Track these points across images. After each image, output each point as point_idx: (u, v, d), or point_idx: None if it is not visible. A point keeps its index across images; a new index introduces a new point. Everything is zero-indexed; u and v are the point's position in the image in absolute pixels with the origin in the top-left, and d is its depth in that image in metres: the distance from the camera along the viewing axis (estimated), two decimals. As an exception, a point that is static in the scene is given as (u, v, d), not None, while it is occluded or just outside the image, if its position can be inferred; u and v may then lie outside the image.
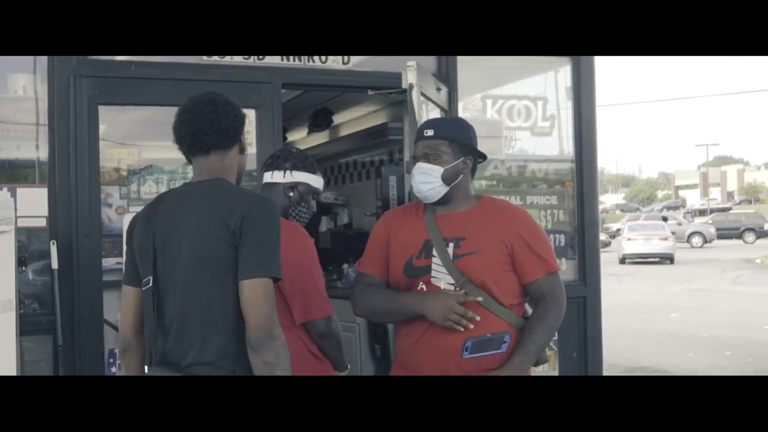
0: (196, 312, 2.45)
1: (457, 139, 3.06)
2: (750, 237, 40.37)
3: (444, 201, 3.05)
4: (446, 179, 3.01)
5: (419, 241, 3.02)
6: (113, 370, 4.41)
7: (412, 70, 4.21)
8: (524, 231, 3.01)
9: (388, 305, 3.10)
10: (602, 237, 33.69)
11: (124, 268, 2.70)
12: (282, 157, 3.43)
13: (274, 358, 2.35)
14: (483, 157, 3.22)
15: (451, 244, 2.97)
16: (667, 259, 28.41)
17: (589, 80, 5.61)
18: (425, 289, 2.99)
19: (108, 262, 4.43)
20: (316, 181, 3.41)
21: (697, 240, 38.87)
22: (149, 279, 2.49)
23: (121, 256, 4.40)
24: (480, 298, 2.91)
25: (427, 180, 3.02)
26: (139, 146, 4.78)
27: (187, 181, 4.54)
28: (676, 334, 11.96)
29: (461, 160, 3.03)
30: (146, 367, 2.51)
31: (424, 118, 4.46)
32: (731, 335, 11.70)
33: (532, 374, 3.06)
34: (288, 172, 3.36)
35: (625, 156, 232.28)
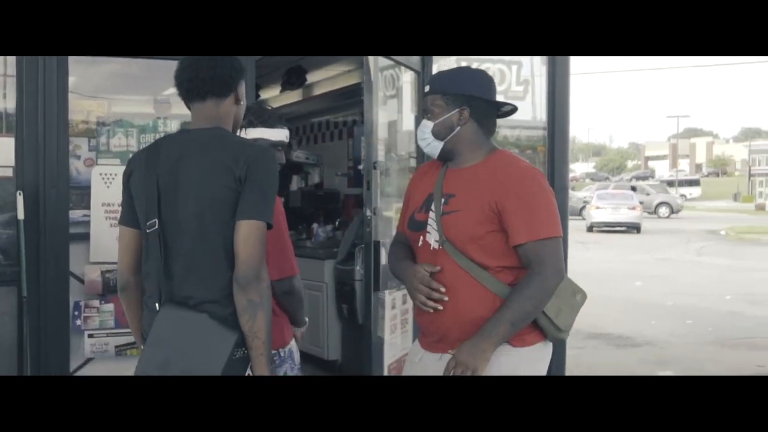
0: (202, 254, 2.56)
1: (447, 90, 2.96)
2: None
3: (447, 156, 3.00)
4: (437, 134, 2.96)
5: (425, 195, 3.02)
6: (78, 323, 4.38)
7: None
8: (513, 190, 2.82)
9: (394, 271, 3.19)
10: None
11: (120, 209, 2.77)
12: None
13: (258, 297, 2.48)
14: (498, 106, 3.05)
15: (443, 200, 2.94)
16: (634, 228, 28.72)
17: (564, 46, 5.60)
18: (421, 245, 2.99)
19: (75, 214, 4.37)
20: (275, 134, 3.33)
21: (664, 210, 39.28)
22: (155, 222, 2.58)
23: (88, 208, 4.38)
24: (437, 268, 2.88)
25: (422, 137, 3.01)
26: (109, 99, 4.70)
27: (158, 134, 4.57)
28: (640, 302, 12.13)
29: (455, 111, 2.93)
30: (157, 305, 2.59)
31: (404, 81, 4.46)
32: (694, 304, 11.89)
33: (547, 348, 2.95)
34: (242, 130, 3.31)
35: (597, 125, 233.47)
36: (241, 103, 2.79)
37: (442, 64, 5.45)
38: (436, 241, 2.92)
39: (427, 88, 3.03)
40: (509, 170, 2.89)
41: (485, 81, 3.02)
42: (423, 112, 3.04)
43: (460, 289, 2.85)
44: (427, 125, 2.98)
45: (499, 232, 2.84)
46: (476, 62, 5.59)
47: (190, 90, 2.70)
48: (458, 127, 2.94)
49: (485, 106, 2.98)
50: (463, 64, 5.61)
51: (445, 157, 3.00)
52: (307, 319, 3.45)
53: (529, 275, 2.80)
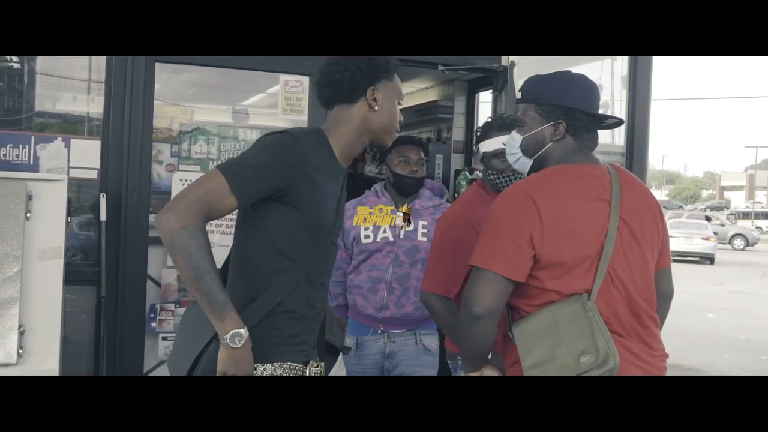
0: None
1: (542, 99, 2.57)
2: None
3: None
4: (527, 149, 2.60)
5: None
6: (153, 325, 4.47)
7: None
8: None
9: None
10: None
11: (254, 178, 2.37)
12: None
13: None
14: (601, 118, 2.61)
15: None
16: (707, 259, 28.08)
17: (646, 71, 5.54)
18: None
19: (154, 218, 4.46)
20: (490, 144, 3.34)
21: (739, 242, 38.33)
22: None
23: (168, 213, 4.46)
24: None
25: (511, 151, 2.68)
26: (191, 107, 4.80)
27: (238, 143, 4.65)
28: (711, 334, 11.84)
29: (550, 124, 2.55)
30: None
31: (482, 100, 4.44)
32: (768, 340, 11.57)
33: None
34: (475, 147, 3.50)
35: (672, 152, 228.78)
36: (376, 109, 2.56)
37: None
38: None
39: (519, 94, 2.69)
40: None
41: (587, 89, 2.61)
42: (516, 121, 2.69)
43: None
44: (516, 138, 2.64)
45: None
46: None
47: (317, 97, 2.62)
48: (551, 143, 2.57)
49: (585, 119, 2.56)
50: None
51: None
52: None
53: None
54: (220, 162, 4.62)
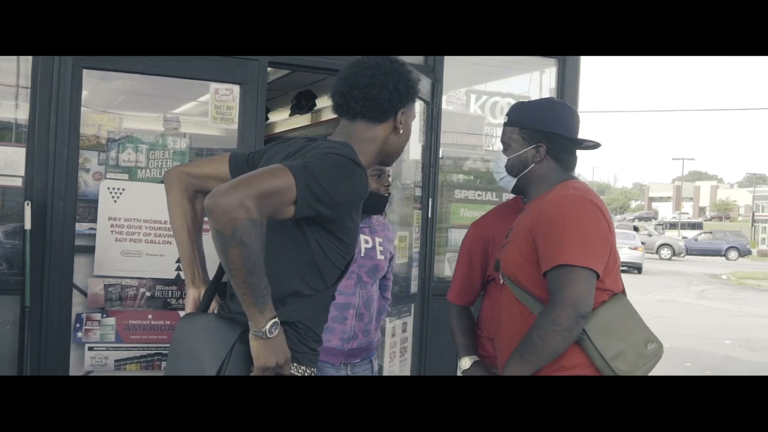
0: None
1: (525, 123, 2.81)
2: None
3: (520, 191, 2.91)
4: (511, 169, 2.83)
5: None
6: (78, 335, 4.39)
7: None
8: (545, 217, 2.63)
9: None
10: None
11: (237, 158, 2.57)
12: None
13: None
14: (579, 141, 2.84)
15: (506, 235, 2.86)
16: (635, 268, 28.67)
17: (574, 83, 5.64)
18: (498, 283, 3.02)
19: (81, 227, 4.39)
20: None
21: (666, 252, 39.23)
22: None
23: (94, 221, 4.40)
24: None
25: (496, 170, 2.92)
26: (120, 115, 4.74)
27: (167, 151, 4.60)
28: (638, 342, 12.08)
29: (531, 147, 2.77)
30: None
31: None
32: (692, 347, 11.87)
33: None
34: None
35: (602, 164, 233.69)
36: (401, 133, 2.48)
37: (451, 95, 5.49)
38: (501, 276, 2.86)
39: (505, 119, 2.91)
40: (550, 197, 2.70)
41: (567, 115, 2.84)
42: (501, 143, 2.90)
43: (513, 321, 2.73)
44: (502, 159, 2.87)
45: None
46: (485, 95, 5.64)
47: (339, 106, 2.47)
48: (533, 164, 2.80)
49: (565, 143, 2.80)
50: (472, 100, 5.64)
51: (519, 192, 2.92)
52: None
53: (546, 306, 2.58)
54: (148, 170, 4.58)
